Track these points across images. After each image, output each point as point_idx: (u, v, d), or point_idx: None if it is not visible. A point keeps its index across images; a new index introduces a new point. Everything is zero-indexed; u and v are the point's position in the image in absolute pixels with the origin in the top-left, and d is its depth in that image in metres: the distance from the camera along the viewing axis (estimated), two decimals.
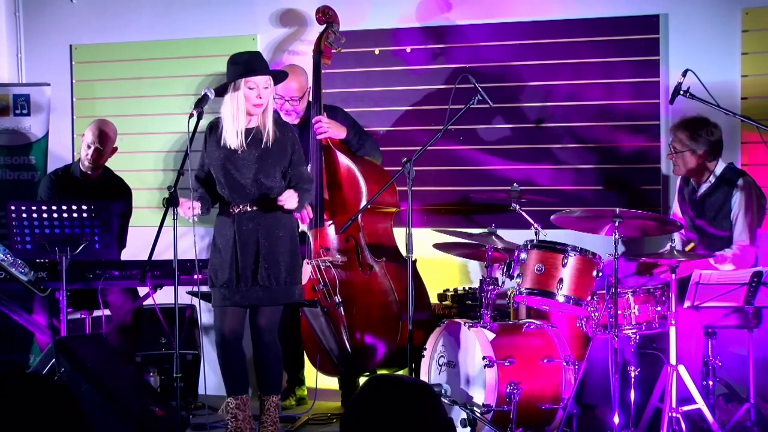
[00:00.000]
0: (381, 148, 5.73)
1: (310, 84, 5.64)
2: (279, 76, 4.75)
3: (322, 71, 5.62)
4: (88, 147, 5.64)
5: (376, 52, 6.05)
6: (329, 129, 5.48)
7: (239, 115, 4.57)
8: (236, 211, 4.63)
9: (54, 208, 4.98)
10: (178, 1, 6.46)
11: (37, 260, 5.05)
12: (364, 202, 5.35)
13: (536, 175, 5.80)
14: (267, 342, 4.72)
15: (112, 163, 5.81)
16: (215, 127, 4.68)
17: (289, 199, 4.58)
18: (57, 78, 6.51)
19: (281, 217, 4.66)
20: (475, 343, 4.63)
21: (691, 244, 4.91)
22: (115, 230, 5.25)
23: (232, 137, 4.58)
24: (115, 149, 5.74)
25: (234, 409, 4.71)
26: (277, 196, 4.61)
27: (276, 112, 4.77)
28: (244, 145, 4.59)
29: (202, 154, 4.75)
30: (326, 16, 5.67)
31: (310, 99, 5.61)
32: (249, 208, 4.62)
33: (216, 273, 4.65)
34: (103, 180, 5.75)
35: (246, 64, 4.58)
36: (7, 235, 5.06)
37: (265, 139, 4.60)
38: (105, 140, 5.65)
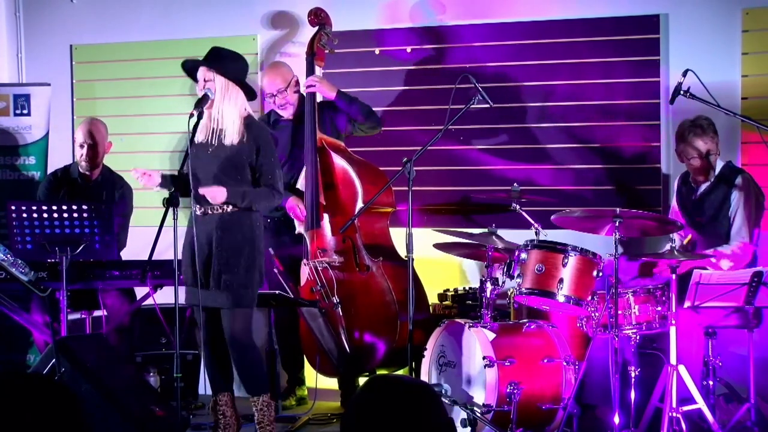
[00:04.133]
0: (381, 148, 5.72)
1: (296, 75, 5.65)
2: (212, 60, 4.63)
3: (323, 72, 5.63)
4: (81, 147, 5.64)
5: (377, 51, 6.05)
6: (319, 84, 5.51)
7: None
8: (195, 211, 4.59)
9: (54, 208, 4.97)
10: (178, 1, 6.46)
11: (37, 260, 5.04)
12: (359, 203, 5.35)
13: (536, 175, 5.80)
14: (237, 344, 4.61)
15: (112, 163, 5.80)
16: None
17: (211, 192, 4.49)
18: (57, 78, 6.50)
19: (239, 220, 4.58)
20: (476, 343, 4.62)
21: (688, 237, 4.89)
22: (116, 230, 5.24)
23: (196, 132, 4.58)
24: (109, 144, 5.73)
25: (222, 406, 4.73)
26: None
27: (250, 116, 4.68)
28: (205, 141, 4.57)
29: None
30: (318, 18, 5.67)
31: (303, 93, 5.60)
32: (206, 209, 4.57)
33: (182, 271, 4.62)
34: (102, 180, 5.73)
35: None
36: (7, 235, 5.05)
37: (225, 138, 4.56)
38: (96, 136, 5.64)
